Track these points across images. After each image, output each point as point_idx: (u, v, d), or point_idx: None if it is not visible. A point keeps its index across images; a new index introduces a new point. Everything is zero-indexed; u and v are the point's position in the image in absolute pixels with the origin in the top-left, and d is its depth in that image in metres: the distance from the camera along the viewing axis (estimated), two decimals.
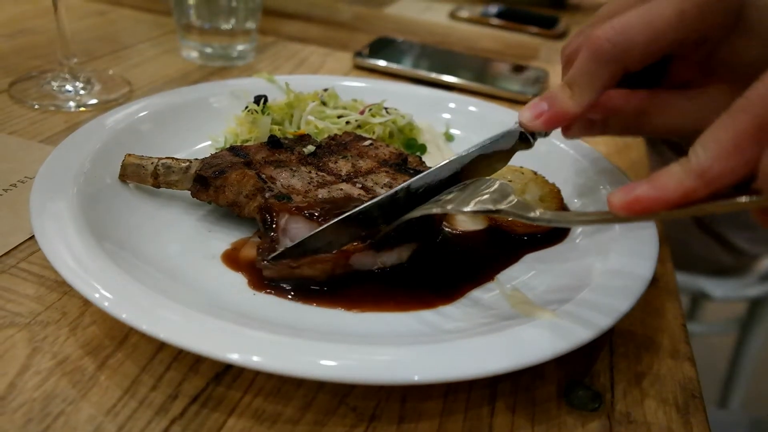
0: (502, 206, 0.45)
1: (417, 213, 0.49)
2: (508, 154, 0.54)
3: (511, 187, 0.48)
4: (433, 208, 0.49)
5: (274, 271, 0.50)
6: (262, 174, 0.56)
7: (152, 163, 0.58)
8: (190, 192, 0.58)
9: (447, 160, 0.51)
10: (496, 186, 0.48)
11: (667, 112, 0.52)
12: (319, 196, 0.54)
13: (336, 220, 0.48)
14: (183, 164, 0.58)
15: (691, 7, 0.46)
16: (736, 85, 0.45)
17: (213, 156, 0.59)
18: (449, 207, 0.48)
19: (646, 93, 0.53)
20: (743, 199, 0.35)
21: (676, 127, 0.53)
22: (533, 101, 0.52)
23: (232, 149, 0.60)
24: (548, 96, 0.51)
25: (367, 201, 0.54)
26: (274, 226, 0.51)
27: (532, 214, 0.44)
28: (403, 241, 0.52)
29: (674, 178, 0.36)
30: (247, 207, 0.55)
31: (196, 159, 0.60)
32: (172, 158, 0.59)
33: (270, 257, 0.49)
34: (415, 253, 0.54)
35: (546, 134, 0.54)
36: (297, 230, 0.51)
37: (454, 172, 0.51)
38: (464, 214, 0.46)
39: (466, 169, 0.52)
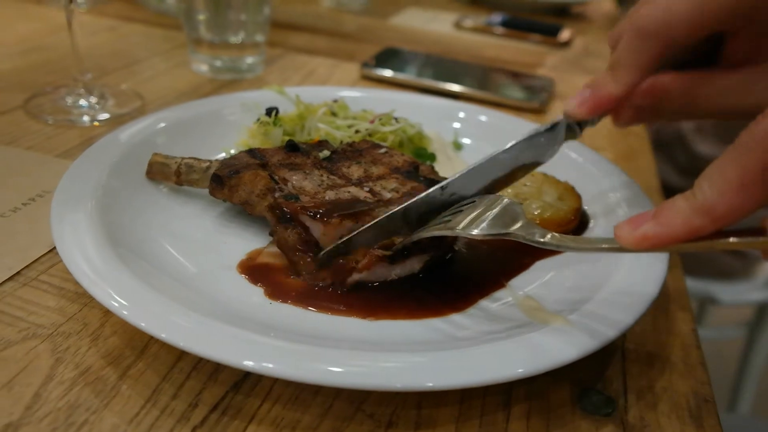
0: (512, 229, 0.45)
1: (426, 234, 0.50)
2: (556, 146, 0.54)
3: (520, 206, 0.48)
4: (440, 231, 0.49)
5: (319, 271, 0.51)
6: (275, 175, 0.58)
7: (176, 162, 0.62)
8: (208, 190, 0.60)
9: (494, 153, 0.52)
10: (505, 206, 0.48)
11: (719, 92, 0.49)
12: (327, 197, 0.55)
13: (382, 217, 0.51)
14: (204, 164, 0.62)
15: None
16: None
17: (232, 157, 0.62)
18: (458, 229, 0.48)
19: (696, 73, 0.50)
20: (752, 239, 0.35)
21: (729, 107, 0.49)
22: (578, 90, 0.50)
23: (251, 151, 0.62)
24: (591, 82, 0.50)
25: (372, 204, 0.55)
26: (291, 219, 0.53)
27: (541, 239, 0.44)
28: (416, 252, 0.53)
29: (680, 215, 0.35)
30: (258, 206, 0.56)
31: (217, 160, 0.62)
32: (194, 158, 0.62)
33: (323, 253, 0.52)
34: (427, 264, 0.54)
35: (594, 123, 0.53)
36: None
37: (501, 166, 0.52)
38: (473, 237, 0.47)
39: (512, 162, 0.53)
